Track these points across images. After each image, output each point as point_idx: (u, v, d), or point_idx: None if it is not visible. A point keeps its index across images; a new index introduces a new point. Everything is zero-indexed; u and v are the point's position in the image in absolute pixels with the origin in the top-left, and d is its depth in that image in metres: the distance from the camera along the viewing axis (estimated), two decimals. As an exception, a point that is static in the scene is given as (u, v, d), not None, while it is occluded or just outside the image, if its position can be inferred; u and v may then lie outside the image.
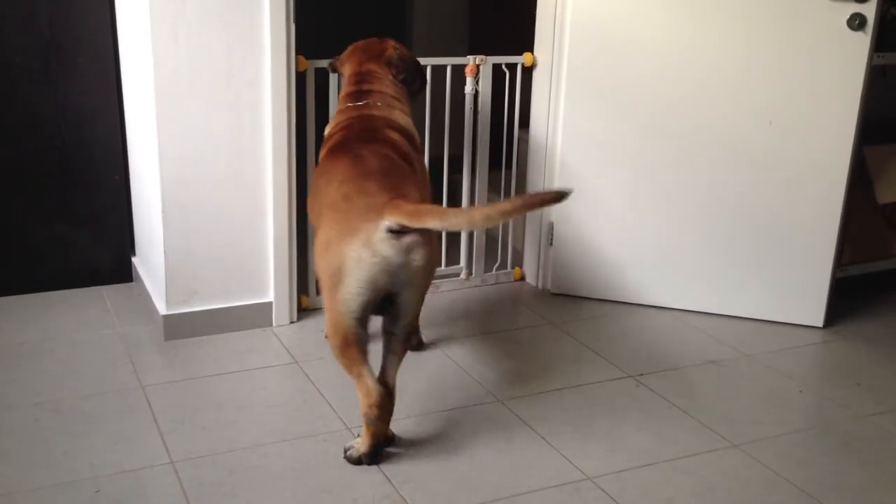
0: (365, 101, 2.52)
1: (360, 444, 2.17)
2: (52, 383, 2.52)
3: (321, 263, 2.08)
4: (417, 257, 2.02)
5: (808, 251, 3.02)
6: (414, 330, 2.79)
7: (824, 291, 3.05)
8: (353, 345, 2.08)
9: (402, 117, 2.55)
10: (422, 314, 3.06)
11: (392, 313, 2.11)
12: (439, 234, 2.36)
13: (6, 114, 2.99)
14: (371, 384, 2.11)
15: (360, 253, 1.99)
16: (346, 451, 2.19)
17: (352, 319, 2.04)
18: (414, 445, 2.27)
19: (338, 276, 2.02)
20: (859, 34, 2.79)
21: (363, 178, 2.10)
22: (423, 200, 2.09)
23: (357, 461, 2.17)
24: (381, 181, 2.08)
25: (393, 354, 2.17)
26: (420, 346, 2.84)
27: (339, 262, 2.01)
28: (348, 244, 2.00)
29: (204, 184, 2.70)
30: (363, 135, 2.36)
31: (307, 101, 2.94)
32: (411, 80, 2.64)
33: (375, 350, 2.16)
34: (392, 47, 2.63)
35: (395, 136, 2.40)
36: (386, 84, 2.58)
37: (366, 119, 2.47)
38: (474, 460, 2.22)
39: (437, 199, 3.30)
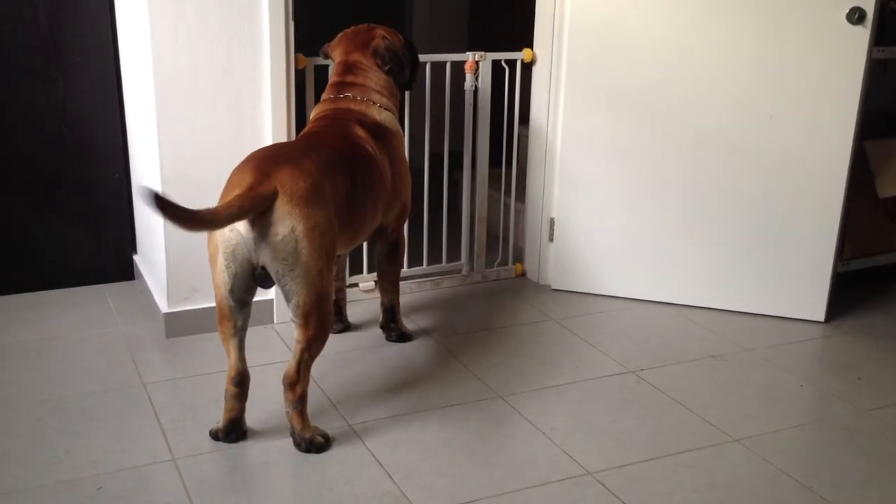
0: (344, 95, 2.57)
1: (219, 420, 2.26)
2: (54, 381, 2.53)
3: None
4: (279, 231, 2.04)
5: (809, 246, 3.02)
6: (394, 320, 2.84)
7: (825, 286, 3.05)
8: (226, 319, 2.17)
9: (380, 112, 2.57)
10: (423, 308, 3.09)
11: (285, 294, 2.12)
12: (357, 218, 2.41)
13: (7, 112, 3.00)
14: (233, 361, 2.20)
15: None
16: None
17: (226, 291, 2.13)
18: (415, 441, 2.28)
19: (213, 249, 2.13)
20: (859, 28, 2.79)
21: (247, 161, 2.18)
22: (313, 187, 2.10)
23: (214, 436, 2.25)
24: (258, 164, 2.12)
25: (296, 341, 2.18)
26: (403, 337, 2.85)
27: (212, 236, 2.11)
28: None
29: (204, 181, 2.69)
30: (329, 129, 2.46)
31: (306, 99, 2.94)
32: (398, 70, 2.64)
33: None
34: (380, 36, 2.63)
35: (361, 132, 2.48)
36: (370, 76, 2.60)
37: (339, 113, 2.54)
38: (475, 456, 2.23)
39: (437, 196, 3.30)
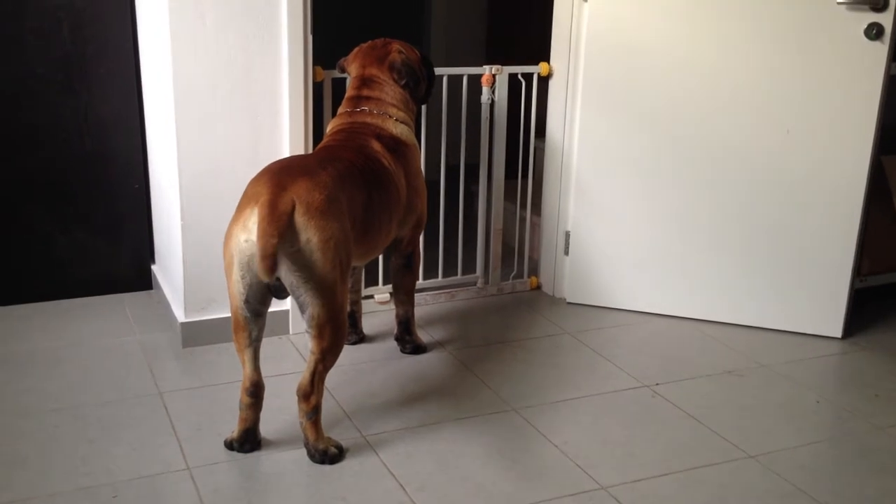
0: (361, 109, 2.59)
1: (234, 430, 2.27)
2: (72, 389, 2.55)
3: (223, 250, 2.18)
4: (294, 243, 2.05)
5: (826, 261, 3.00)
6: (409, 332, 2.84)
7: (843, 302, 3.03)
8: (241, 329, 2.18)
9: (396, 126, 2.59)
10: (438, 321, 3.10)
11: (299, 305, 2.13)
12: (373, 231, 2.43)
13: (29, 124, 3.04)
14: (248, 372, 2.22)
15: (239, 236, 2.08)
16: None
17: (241, 302, 2.15)
18: (429, 453, 2.28)
19: (228, 260, 2.13)
20: (877, 44, 2.78)
21: (263, 173, 2.19)
22: (329, 199, 2.11)
23: (228, 446, 2.26)
24: (274, 176, 2.13)
25: (310, 352, 2.19)
26: (418, 349, 2.85)
27: (228, 245, 2.12)
28: (233, 228, 2.12)
29: (222, 193, 2.72)
30: (345, 143, 2.47)
31: (324, 112, 2.96)
32: (414, 85, 2.66)
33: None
34: (397, 51, 2.65)
35: (377, 146, 2.50)
36: (386, 90, 2.62)
37: (356, 127, 2.56)
38: (489, 469, 2.23)
39: (453, 209, 3.31)
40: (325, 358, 2.19)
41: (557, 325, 3.14)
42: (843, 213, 2.95)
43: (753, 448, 2.36)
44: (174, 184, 2.75)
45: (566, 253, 3.33)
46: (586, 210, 3.24)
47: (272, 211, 2.03)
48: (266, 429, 2.31)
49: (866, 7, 2.76)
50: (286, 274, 2.08)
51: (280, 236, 2.00)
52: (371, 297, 3.20)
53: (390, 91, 2.62)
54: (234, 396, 2.30)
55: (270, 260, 1.98)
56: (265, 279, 2.00)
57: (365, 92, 2.62)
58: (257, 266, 2.00)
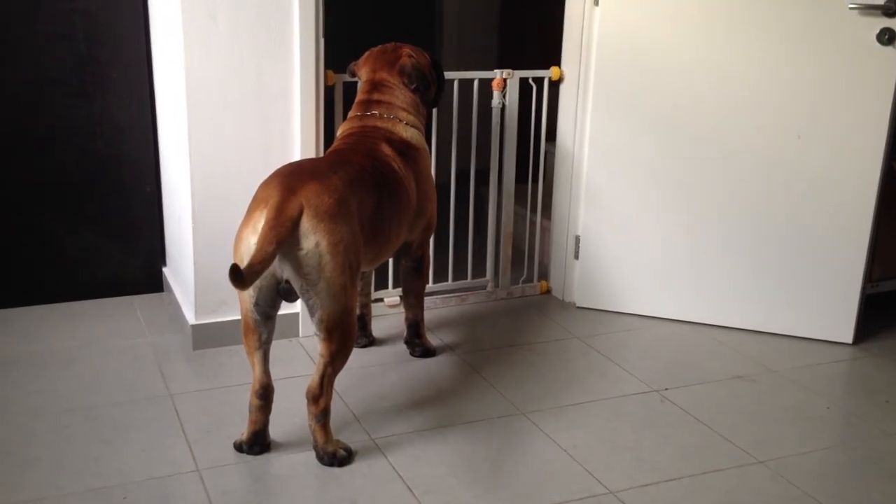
0: (371, 112, 2.61)
1: (243, 432, 2.28)
2: (83, 390, 2.57)
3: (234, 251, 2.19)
4: (304, 246, 2.06)
5: (837, 267, 2.99)
6: (419, 336, 2.85)
7: (854, 307, 3.02)
8: (251, 332, 2.20)
9: (406, 130, 2.60)
10: (447, 324, 3.10)
11: (309, 308, 2.14)
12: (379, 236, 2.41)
13: (43, 127, 3.06)
14: (257, 374, 2.23)
15: (249, 239, 2.08)
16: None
17: (251, 305, 2.16)
18: (437, 456, 2.28)
19: (238, 262, 2.11)
20: (889, 49, 2.77)
21: (273, 176, 2.20)
22: (338, 203, 2.12)
23: (238, 448, 2.27)
24: (283, 179, 2.14)
25: (319, 355, 2.19)
26: (427, 353, 2.86)
27: (238, 248, 2.13)
28: (243, 231, 2.13)
29: (233, 196, 2.73)
30: (356, 146, 2.48)
31: (335, 115, 2.97)
32: (424, 89, 2.67)
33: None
34: (407, 55, 2.66)
35: (387, 149, 2.51)
36: (396, 94, 2.63)
37: (366, 130, 2.57)
38: (497, 472, 2.23)
39: (463, 212, 3.32)
40: (335, 361, 2.19)
41: (567, 329, 3.14)
42: (854, 218, 2.94)
43: (762, 453, 2.36)
44: (186, 187, 2.77)
45: (576, 257, 3.33)
46: (596, 214, 3.24)
47: (277, 215, 2.04)
48: (275, 431, 2.32)
49: (878, 12, 2.75)
50: (296, 276, 2.09)
51: (279, 244, 2.01)
52: (381, 300, 3.20)
53: (401, 95, 2.63)
54: (244, 399, 2.31)
55: (261, 265, 1.96)
56: (240, 288, 1.97)
57: (375, 96, 2.63)
58: (244, 266, 1.97)
